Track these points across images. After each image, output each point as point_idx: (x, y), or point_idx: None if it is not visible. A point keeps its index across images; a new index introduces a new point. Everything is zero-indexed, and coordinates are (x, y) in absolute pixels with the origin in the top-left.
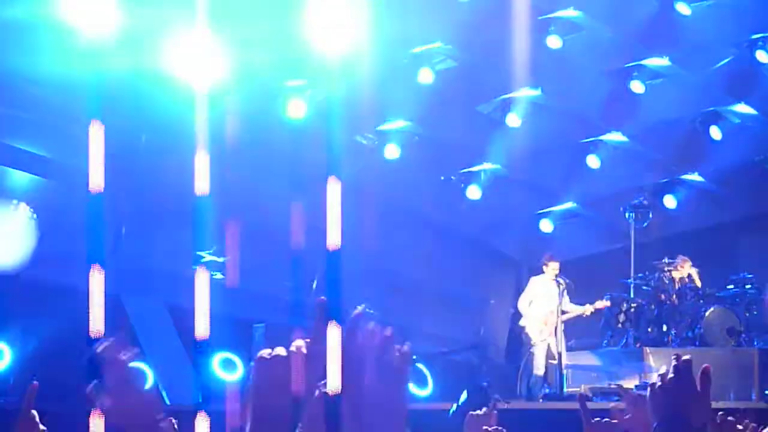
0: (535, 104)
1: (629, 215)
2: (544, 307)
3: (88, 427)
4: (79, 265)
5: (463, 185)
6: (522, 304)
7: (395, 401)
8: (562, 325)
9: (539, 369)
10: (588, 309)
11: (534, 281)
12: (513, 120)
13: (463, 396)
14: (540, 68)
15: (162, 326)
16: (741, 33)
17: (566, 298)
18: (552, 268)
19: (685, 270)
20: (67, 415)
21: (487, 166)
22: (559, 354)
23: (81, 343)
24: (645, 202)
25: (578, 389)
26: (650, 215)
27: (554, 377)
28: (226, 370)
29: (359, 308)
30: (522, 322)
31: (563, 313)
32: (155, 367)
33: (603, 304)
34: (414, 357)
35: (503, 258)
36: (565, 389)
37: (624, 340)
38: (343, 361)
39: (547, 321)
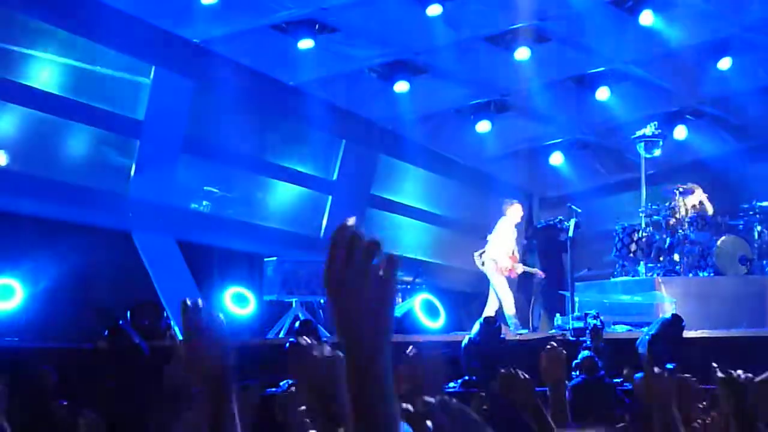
0: (544, 36)
1: (639, 145)
2: None
3: (96, 363)
4: (89, 203)
5: (473, 117)
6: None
7: (379, 309)
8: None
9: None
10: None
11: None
12: (522, 52)
13: (476, 328)
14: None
15: (173, 262)
16: None
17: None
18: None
19: (695, 197)
20: (79, 351)
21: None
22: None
23: (89, 281)
24: (655, 132)
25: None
26: (661, 144)
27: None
28: (239, 304)
29: (350, 221)
30: None
31: None
32: (167, 302)
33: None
34: (420, 281)
35: (515, 190)
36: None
37: (635, 270)
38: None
39: None
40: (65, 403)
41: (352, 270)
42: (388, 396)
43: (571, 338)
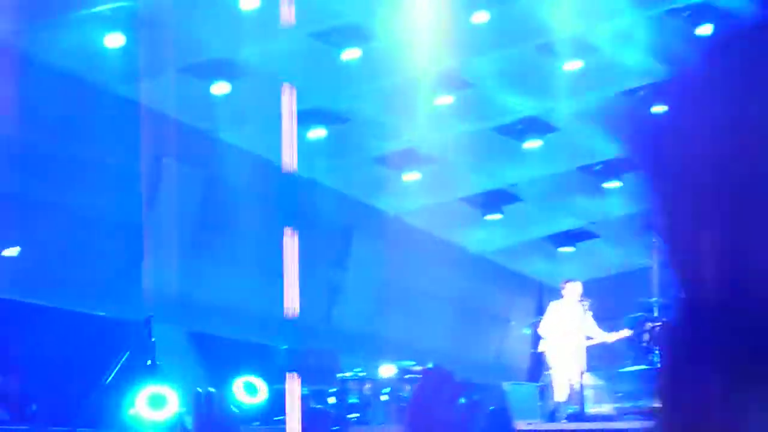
0: (554, 126)
1: (652, 234)
2: (565, 329)
3: None
4: (102, 293)
5: (483, 206)
6: (542, 329)
7: None
8: (584, 346)
9: (560, 395)
10: (611, 337)
11: (553, 306)
12: (532, 143)
13: None
14: (552, 89)
15: (184, 353)
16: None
17: (591, 321)
18: (570, 290)
19: None
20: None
21: (506, 187)
22: (582, 374)
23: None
24: None
25: (601, 409)
26: None
27: (577, 397)
28: (249, 393)
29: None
30: (541, 347)
31: (587, 338)
32: (179, 394)
33: (626, 333)
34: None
35: (524, 279)
36: (587, 409)
37: (648, 360)
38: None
39: (569, 344)
40: None
41: (441, 406)
42: None
43: None
